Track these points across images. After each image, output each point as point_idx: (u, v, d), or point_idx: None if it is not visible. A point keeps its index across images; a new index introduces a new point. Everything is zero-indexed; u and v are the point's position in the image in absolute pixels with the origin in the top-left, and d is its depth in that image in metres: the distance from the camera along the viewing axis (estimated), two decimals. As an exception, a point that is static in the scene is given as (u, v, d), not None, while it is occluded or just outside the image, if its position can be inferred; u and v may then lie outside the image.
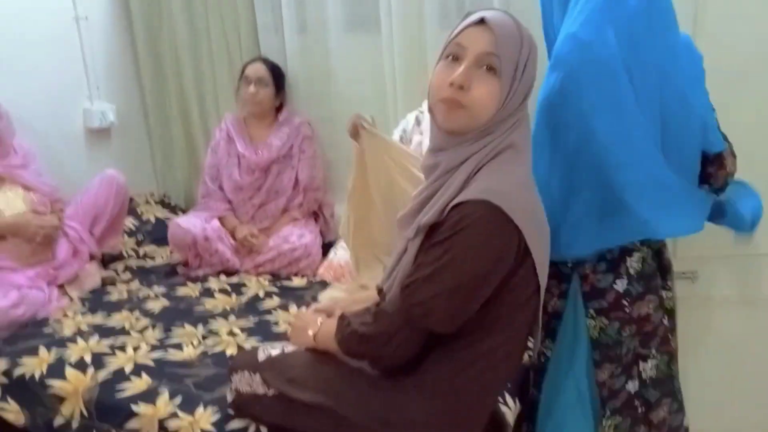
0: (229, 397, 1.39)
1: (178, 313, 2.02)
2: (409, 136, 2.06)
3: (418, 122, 2.07)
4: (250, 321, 1.95)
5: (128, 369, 1.65)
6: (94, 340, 1.83)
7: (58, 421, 1.59)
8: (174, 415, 1.45)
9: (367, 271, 1.93)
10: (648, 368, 1.41)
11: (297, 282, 2.28)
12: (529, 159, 1.16)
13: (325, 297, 2.04)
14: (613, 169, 1.22)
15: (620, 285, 1.36)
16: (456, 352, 1.13)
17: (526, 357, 1.45)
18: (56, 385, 1.61)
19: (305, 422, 1.25)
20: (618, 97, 1.20)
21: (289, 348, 1.34)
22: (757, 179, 1.50)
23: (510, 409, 1.45)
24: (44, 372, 1.66)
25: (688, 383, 1.57)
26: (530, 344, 1.34)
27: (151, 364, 1.68)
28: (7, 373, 1.68)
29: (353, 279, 2.05)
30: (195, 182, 2.89)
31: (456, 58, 1.11)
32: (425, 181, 1.20)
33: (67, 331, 1.89)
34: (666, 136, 1.27)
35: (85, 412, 1.55)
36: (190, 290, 2.22)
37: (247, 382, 1.31)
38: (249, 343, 1.79)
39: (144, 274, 2.39)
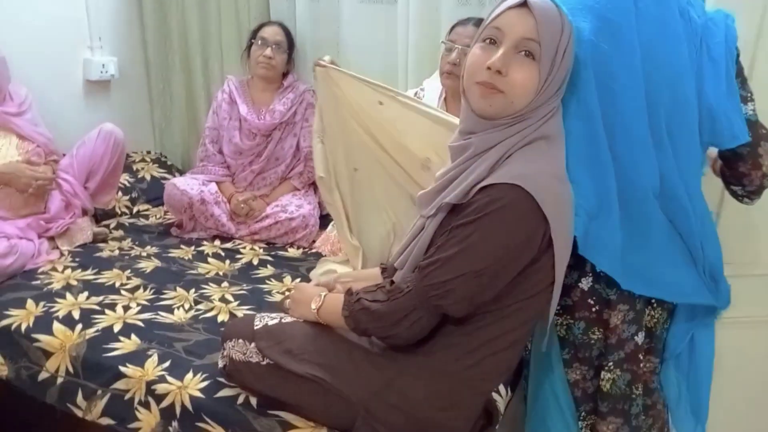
0: (221, 364, 1.36)
1: (170, 275, 1.99)
2: None
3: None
4: (243, 288, 1.92)
5: (117, 328, 1.62)
6: (83, 296, 1.79)
7: (43, 375, 1.56)
8: (162, 379, 1.42)
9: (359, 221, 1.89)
10: (603, 380, 1.33)
11: (292, 252, 2.26)
12: (562, 150, 1.13)
13: (319, 271, 2.01)
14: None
15: (585, 283, 1.29)
16: (462, 336, 1.11)
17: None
18: (43, 339, 1.58)
19: (297, 394, 1.23)
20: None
21: (288, 319, 1.31)
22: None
23: (501, 397, 1.43)
24: (31, 325, 1.63)
25: (716, 404, 1.48)
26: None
27: (141, 325, 1.65)
28: (-8, 323, 1.65)
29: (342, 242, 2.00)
30: (193, 143, 2.84)
31: (494, 42, 1.08)
32: (451, 162, 1.16)
33: (57, 284, 1.86)
34: (654, 124, 1.19)
35: (71, 369, 1.53)
36: (183, 252, 2.19)
37: (240, 350, 1.28)
38: (241, 311, 1.76)
39: (137, 233, 2.35)
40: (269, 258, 2.19)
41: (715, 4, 1.34)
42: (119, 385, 1.45)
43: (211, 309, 1.77)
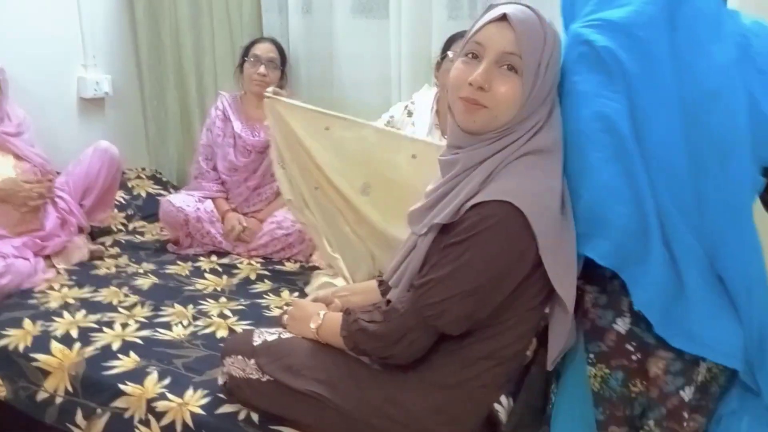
0: (221, 381, 1.36)
1: (168, 292, 1.98)
2: (398, 126, 2.04)
3: (408, 113, 2.05)
4: (241, 304, 1.92)
5: (116, 346, 1.62)
6: (80, 314, 1.79)
7: (42, 395, 1.55)
8: (163, 396, 1.42)
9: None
10: None
11: (289, 267, 2.26)
12: (557, 164, 1.09)
13: (315, 284, 2.01)
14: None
15: (621, 325, 1.11)
16: (461, 350, 1.11)
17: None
18: (41, 358, 1.57)
19: (298, 410, 1.23)
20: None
21: (287, 334, 1.31)
22: None
23: (503, 407, 1.43)
24: (28, 344, 1.62)
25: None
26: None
27: (140, 342, 1.65)
28: (-11, 344, 1.64)
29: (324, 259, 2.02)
30: (188, 159, 2.84)
31: (476, 56, 1.07)
32: (441, 177, 1.16)
33: (54, 303, 1.85)
34: (694, 148, 1.04)
35: (70, 388, 1.52)
36: (180, 269, 2.19)
37: (240, 367, 1.28)
38: (240, 327, 1.76)
39: (133, 250, 2.34)
40: (267, 273, 2.19)
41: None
42: (119, 403, 1.45)
43: (210, 325, 1.76)
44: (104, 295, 1.93)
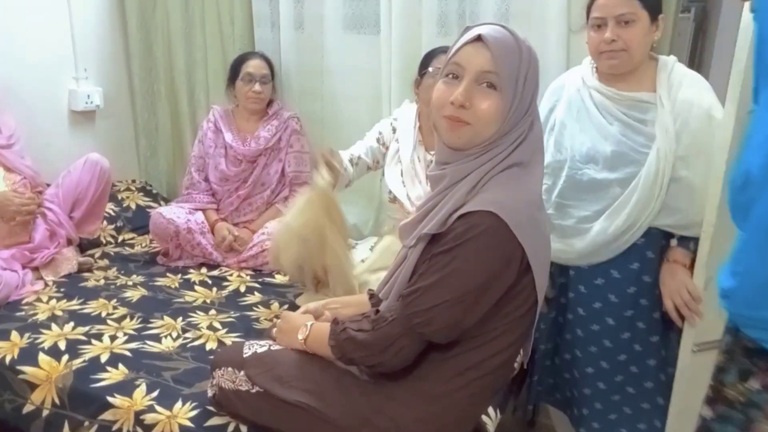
0: (210, 393, 1.36)
1: (157, 304, 1.98)
2: (387, 142, 2.06)
3: (393, 130, 2.07)
4: (231, 316, 1.91)
5: (104, 358, 1.61)
6: (69, 326, 1.78)
7: (28, 408, 1.54)
8: (151, 409, 1.41)
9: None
10: None
11: (279, 279, 2.26)
12: (538, 175, 1.16)
13: (304, 298, 2.01)
14: None
15: None
16: (449, 361, 1.13)
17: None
18: (28, 371, 1.56)
19: (287, 422, 1.23)
20: None
21: (276, 346, 1.32)
22: None
23: (491, 419, 1.44)
24: (15, 357, 1.61)
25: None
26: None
27: (129, 354, 1.64)
28: (-24, 356, 1.63)
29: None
30: (178, 172, 2.85)
31: (456, 77, 1.12)
32: (430, 190, 1.20)
33: (41, 315, 1.84)
34: None
35: (57, 401, 1.51)
36: (170, 281, 2.18)
37: (230, 379, 1.28)
38: (229, 339, 1.76)
39: (122, 262, 2.34)
40: (256, 285, 2.19)
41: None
42: (107, 415, 1.44)
43: (199, 337, 1.76)
44: (93, 307, 1.92)
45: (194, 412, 1.39)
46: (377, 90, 2.38)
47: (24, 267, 2.08)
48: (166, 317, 1.87)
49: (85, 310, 1.90)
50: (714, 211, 1.43)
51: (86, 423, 1.46)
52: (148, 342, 1.72)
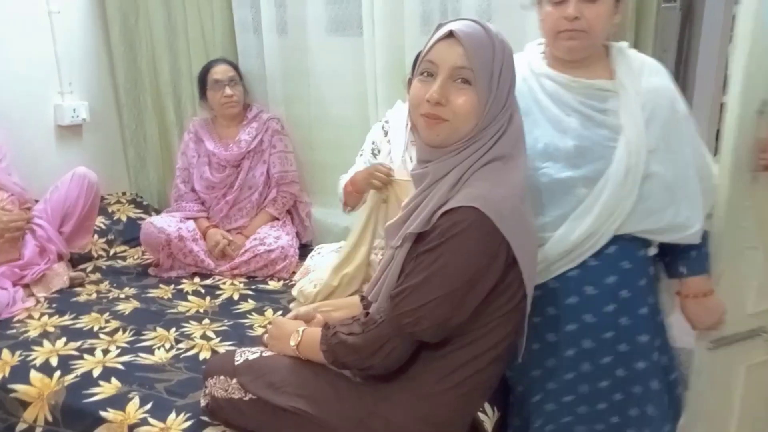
0: (203, 402, 1.35)
1: (150, 316, 1.96)
2: (379, 147, 2.05)
3: (385, 132, 2.06)
4: (224, 324, 1.90)
5: (97, 373, 1.60)
6: (61, 342, 1.76)
7: (21, 426, 1.52)
8: (144, 422, 1.40)
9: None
10: None
11: (272, 285, 2.25)
12: (521, 168, 1.14)
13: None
14: None
15: None
16: (441, 358, 1.12)
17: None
18: (20, 389, 1.55)
19: (281, 428, 1.21)
20: None
21: (268, 352, 1.30)
22: None
23: (488, 417, 1.43)
24: (6, 375, 1.59)
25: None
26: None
27: (121, 368, 1.63)
28: (-34, 376, 1.61)
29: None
30: (168, 182, 2.83)
31: (430, 74, 1.11)
32: (415, 190, 1.19)
33: (33, 332, 1.82)
34: None
35: (50, 418, 1.49)
36: (163, 292, 2.17)
37: (222, 387, 1.27)
38: (223, 347, 1.74)
39: (114, 275, 2.33)
40: (250, 292, 2.17)
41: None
42: (100, 430, 1.42)
43: (193, 347, 1.75)
44: (85, 321, 1.91)
45: (188, 423, 1.38)
46: (363, 91, 2.37)
47: (14, 284, 2.06)
48: (159, 328, 1.86)
49: (77, 325, 1.89)
50: (723, 206, 1.40)
51: (80, 438, 1.44)
52: (140, 354, 1.70)
